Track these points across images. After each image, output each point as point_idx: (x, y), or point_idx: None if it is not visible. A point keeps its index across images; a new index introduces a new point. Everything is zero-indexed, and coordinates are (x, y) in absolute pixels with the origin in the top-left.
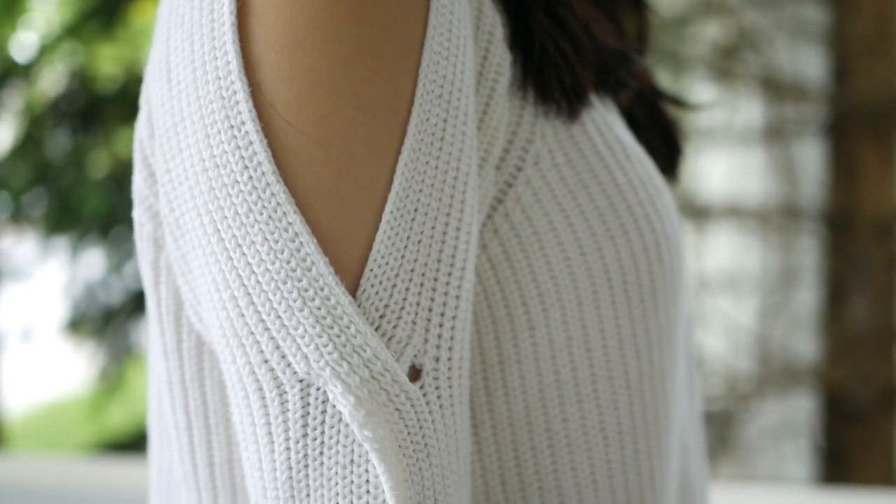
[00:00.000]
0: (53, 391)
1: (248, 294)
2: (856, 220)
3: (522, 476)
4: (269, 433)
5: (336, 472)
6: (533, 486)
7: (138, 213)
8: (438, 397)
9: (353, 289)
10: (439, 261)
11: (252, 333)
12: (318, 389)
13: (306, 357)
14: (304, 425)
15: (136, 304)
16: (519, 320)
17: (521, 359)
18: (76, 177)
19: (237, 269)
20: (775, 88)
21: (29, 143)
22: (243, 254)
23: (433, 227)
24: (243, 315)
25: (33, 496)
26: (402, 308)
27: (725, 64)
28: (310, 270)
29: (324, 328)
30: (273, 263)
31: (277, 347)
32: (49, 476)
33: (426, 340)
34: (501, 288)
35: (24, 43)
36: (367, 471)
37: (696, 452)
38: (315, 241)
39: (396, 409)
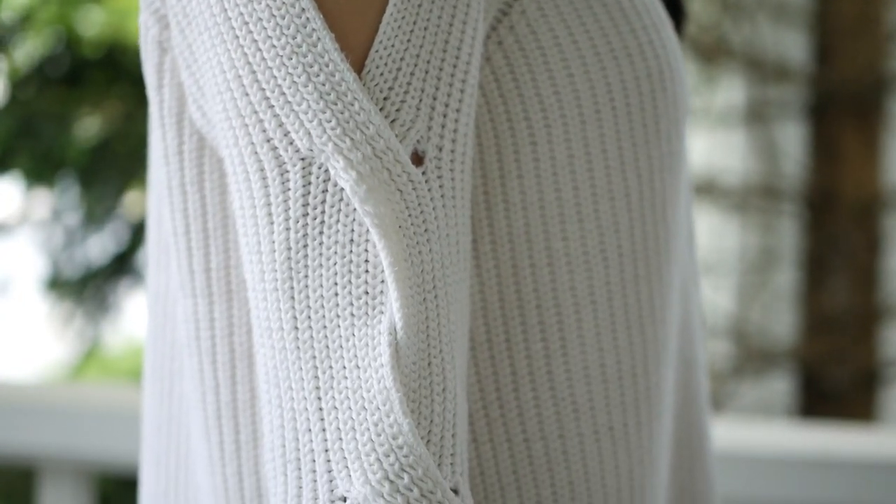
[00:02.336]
0: (32, 365)
1: (253, 72)
2: (836, 202)
3: (521, 293)
4: (269, 214)
5: (335, 252)
6: (531, 303)
7: (144, 18)
8: (440, 186)
9: (358, 69)
10: (444, 51)
11: (255, 112)
12: (319, 168)
13: (309, 133)
14: (305, 204)
15: (116, 265)
16: (521, 134)
17: (522, 174)
18: (59, 129)
19: (242, 47)
20: (758, 69)
21: (14, 102)
22: (249, 31)
23: (440, 17)
24: (247, 94)
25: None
26: (407, 92)
27: (708, 43)
28: (315, 46)
29: (327, 104)
30: (279, 39)
31: (280, 125)
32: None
33: (430, 128)
34: (504, 101)
35: (8, 7)
36: (366, 250)
37: (695, 304)
38: (321, 17)
39: (398, 190)
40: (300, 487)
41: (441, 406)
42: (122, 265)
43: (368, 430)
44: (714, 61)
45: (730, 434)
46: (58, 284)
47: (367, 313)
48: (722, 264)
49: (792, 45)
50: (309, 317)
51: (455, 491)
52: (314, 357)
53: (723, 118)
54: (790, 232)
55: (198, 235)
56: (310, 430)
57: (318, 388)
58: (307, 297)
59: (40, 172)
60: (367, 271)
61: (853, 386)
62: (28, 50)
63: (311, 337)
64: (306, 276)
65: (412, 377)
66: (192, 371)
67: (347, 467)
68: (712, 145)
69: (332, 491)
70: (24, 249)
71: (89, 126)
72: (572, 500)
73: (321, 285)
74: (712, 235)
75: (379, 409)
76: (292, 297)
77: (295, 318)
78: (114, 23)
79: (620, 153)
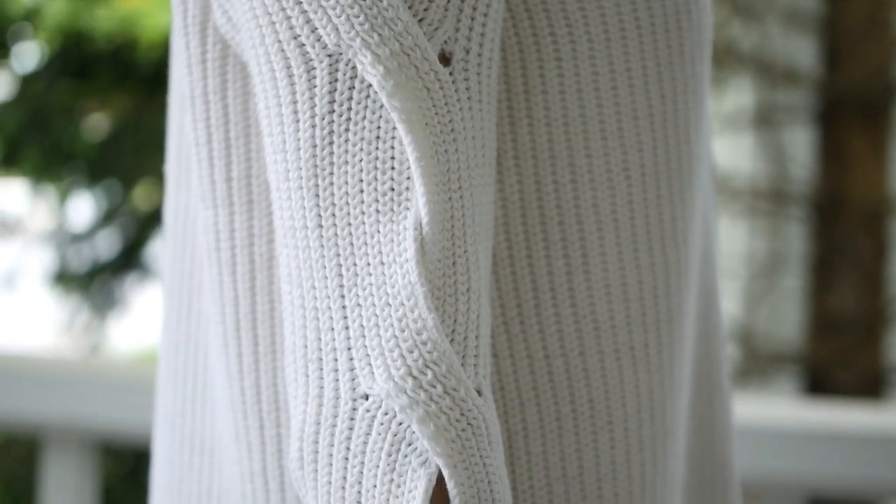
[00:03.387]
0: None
1: None
2: (844, 207)
3: (543, 210)
4: (295, 112)
5: (361, 149)
6: (553, 220)
7: None
8: (467, 89)
9: None
10: None
11: (283, 9)
12: (346, 64)
13: (336, 29)
14: (331, 101)
15: (123, 260)
16: (546, 49)
17: (546, 89)
18: (67, 122)
19: None
20: (767, 72)
21: (22, 96)
22: None
23: None
24: None
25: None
26: None
27: (717, 46)
28: None
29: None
30: None
31: (308, 21)
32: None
33: (457, 29)
34: (530, 15)
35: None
36: (392, 147)
37: (714, 237)
38: None
39: (426, 87)
40: (321, 388)
41: (465, 306)
42: (130, 260)
43: (392, 326)
44: (723, 64)
45: (737, 409)
46: (64, 279)
47: (392, 209)
48: (730, 268)
49: (801, 49)
50: (333, 214)
51: (478, 392)
52: (338, 255)
53: (731, 121)
54: (797, 236)
55: (219, 145)
56: (332, 328)
57: (341, 285)
58: (332, 194)
59: (49, 166)
60: (392, 168)
61: (859, 390)
62: (36, 49)
63: (336, 234)
64: (331, 174)
65: (437, 274)
66: (211, 283)
67: (370, 364)
68: (720, 149)
69: (355, 389)
70: (31, 243)
71: (98, 120)
72: (591, 418)
73: (346, 182)
74: (720, 240)
75: (403, 304)
76: (317, 195)
77: (319, 215)
78: (122, 29)
79: (644, 72)
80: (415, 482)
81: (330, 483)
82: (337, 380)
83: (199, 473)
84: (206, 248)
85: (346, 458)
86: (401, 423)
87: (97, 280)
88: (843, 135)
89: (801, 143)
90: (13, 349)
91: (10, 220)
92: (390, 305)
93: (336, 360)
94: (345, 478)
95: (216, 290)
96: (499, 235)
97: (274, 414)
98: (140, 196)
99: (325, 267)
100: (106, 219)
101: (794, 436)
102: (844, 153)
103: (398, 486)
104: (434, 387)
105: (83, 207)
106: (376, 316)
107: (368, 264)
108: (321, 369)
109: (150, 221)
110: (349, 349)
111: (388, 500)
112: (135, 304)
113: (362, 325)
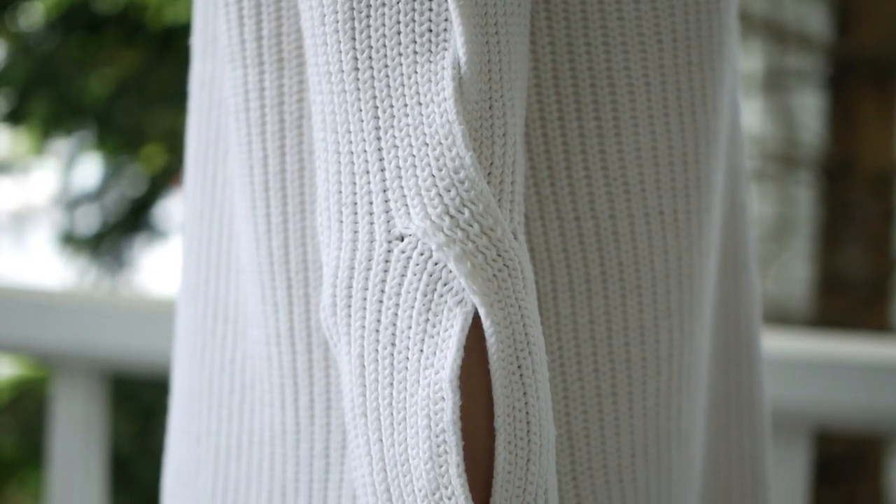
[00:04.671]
0: None
1: None
2: (853, 171)
3: (575, 71)
4: None
5: None
6: (585, 82)
7: None
8: None
9: None
10: None
11: None
12: None
13: None
14: None
15: (131, 220)
16: None
17: None
18: (76, 73)
19: None
20: (777, 36)
21: (30, 52)
22: None
23: None
24: None
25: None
26: None
27: None
28: None
29: None
30: None
31: None
32: None
33: None
34: None
35: None
36: (430, 9)
37: (740, 117)
38: None
39: None
40: (356, 231)
41: (502, 149)
42: (138, 221)
43: (429, 165)
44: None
45: None
46: (73, 240)
47: (430, 50)
48: None
49: (812, 13)
50: (370, 57)
51: (513, 236)
52: (374, 97)
53: (741, 85)
54: (806, 200)
55: (250, 2)
56: (368, 171)
57: (377, 127)
58: (368, 36)
59: (57, 118)
60: (430, 9)
61: None
62: (42, 11)
63: (372, 77)
64: (368, 17)
65: (474, 115)
66: (239, 144)
67: (406, 205)
68: None
69: (390, 231)
70: (39, 204)
71: (106, 76)
72: (621, 281)
73: (383, 24)
74: None
75: (441, 143)
76: (353, 38)
77: (356, 58)
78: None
79: None
80: (451, 321)
81: (364, 327)
82: (372, 223)
83: (223, 341)
84: (234, 109)
85: (381, 301)
86: (437, 263)
87: (105, 241)
88: (852, 99)
89: (810, 108)
90: (25, 283)
91: (18, 180)
92: (427, 145)
93: (371, 202)
94: (379, 320)
95: (244, 151)
96: (531, 97)
97: (302, 274)
98: (148, 156)
99: (360, 110)
100: (114, 179)
101: (801, 365)
102: (854, 117)
103: (433, 325)
104: (471, 225)
105: (91, 168)
106: (413, 156)
107: (405, 105)
108: (356, 213)
109: (159, 182)
110: (385, 191)
111: (423, 339)
112: (143, 265)
113: (398, 167)
